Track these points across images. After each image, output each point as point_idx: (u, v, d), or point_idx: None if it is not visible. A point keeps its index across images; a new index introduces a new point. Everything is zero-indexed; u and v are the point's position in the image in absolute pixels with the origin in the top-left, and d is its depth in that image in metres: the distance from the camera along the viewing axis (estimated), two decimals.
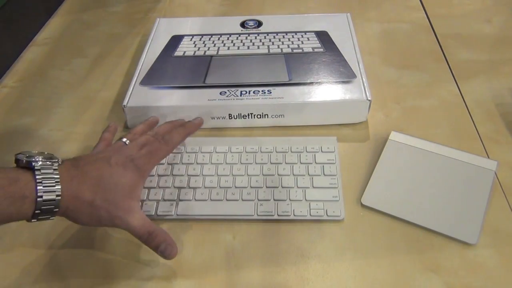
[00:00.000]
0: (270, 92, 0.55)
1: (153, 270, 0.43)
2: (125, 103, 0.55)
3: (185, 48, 0.64)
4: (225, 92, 0.55)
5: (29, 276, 0.43)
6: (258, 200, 0.47)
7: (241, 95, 0.55)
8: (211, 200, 0.47)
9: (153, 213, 0.47)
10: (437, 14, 0.75)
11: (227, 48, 0.64)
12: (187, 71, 0.59)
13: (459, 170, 0.49)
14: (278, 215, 0.46)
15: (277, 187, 0.48)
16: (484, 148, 0.53)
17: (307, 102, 0.54)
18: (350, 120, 0.57)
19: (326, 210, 0.46)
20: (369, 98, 0.54)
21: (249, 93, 0.55)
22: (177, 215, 0.46)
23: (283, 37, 0.65)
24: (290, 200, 0.47)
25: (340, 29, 0.66)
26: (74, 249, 0.45)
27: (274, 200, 0.47)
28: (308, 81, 0.57)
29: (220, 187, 0.48)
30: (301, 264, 0.43)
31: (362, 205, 0.47)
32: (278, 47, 0.63)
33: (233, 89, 0.56)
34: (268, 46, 0.63)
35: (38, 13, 0.78)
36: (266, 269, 0.43)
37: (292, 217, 0.46)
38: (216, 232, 0.46)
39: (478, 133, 0.55)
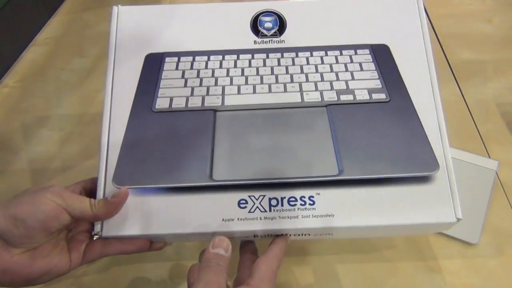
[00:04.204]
0: (313, 203, 0.35)
1: (153, 269, 0.43)
2: (96, 230, 0.34)
3: (170, 88, 0.40)
4: (245, 202, 0.35)
5: None
6: None
7: (270, 208, 0.35)
8: None
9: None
10: (437, 14, 0.75)
11: (236, 88, 0.40)
12: (179, 149, 0.37)
13: (460, 170, 0.49)
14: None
15: None
16: (485, 147, 0.53)
17: (368, 227, 0.35)
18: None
19: None
20: (458, 217, 0.34)
21: (282, 203, 0.35)
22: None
23: (322, 61, 0.41)
24: None
25: (408, 35, 0.42)
26: None
27: None
28: (367, 177, 0.35)
29: None
30: (302, 264, 0.43)
31: None
32: (316, 88, 0.39)
33: (256, 193, 0.35)
34: (301, 86, 0.40)
35: (39, 13, 0.78)
36: None
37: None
38: None
39: (479, 133, 0.55)
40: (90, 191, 0.37)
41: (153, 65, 0.41)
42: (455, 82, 0.62)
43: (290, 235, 0.36)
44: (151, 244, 0.36)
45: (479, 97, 0.60)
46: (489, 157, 0.52)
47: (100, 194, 0.35)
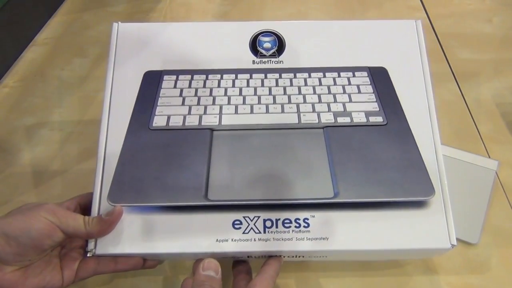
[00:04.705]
0: (307, 225, 0.35)
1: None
2: (90, 248, 0.34)
3: (167, 106, 0.40)
4: (240, 223, 0.35)
5: None
6: None
7: (264, 230, 0.35)
8: None
9: None
10: (437, 14, 0.75)
11: (234, 108, 0.39)
12: (175, 168, 0.36)
13: (460, 170, 0.49)
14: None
15: None
16: (485, 147, 0.53)
17: (361, 251, 0.35)
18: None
19: None
20: (453, 243, 0.34)
21: (276, 225, 0.35)
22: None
23: (319, 83, 0.41)
24: None
25: (406, 58, 0.42)
26: None
27: None
28: (362, 200, 0.35)
29: None
30: (302, 264, 0.43)
31: None
32: (313, 109, 0.39)
33: (251, 214, 0.35)
34: (298, 107, 0.39)
35: (39, 13, 0.78)
36: None
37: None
38: None
39: (479, 133, 0.55)
40: (86, 207, 0.36)
41: (151, 82, 0.41)
42: (455, 82, 0.62)
43: (284, 256, 0.36)
44: (144, 262, 0.36)
45: (479, 97, 0.60)
46: (489, 157, 0.52)
47: (94, 211, 0.35)
